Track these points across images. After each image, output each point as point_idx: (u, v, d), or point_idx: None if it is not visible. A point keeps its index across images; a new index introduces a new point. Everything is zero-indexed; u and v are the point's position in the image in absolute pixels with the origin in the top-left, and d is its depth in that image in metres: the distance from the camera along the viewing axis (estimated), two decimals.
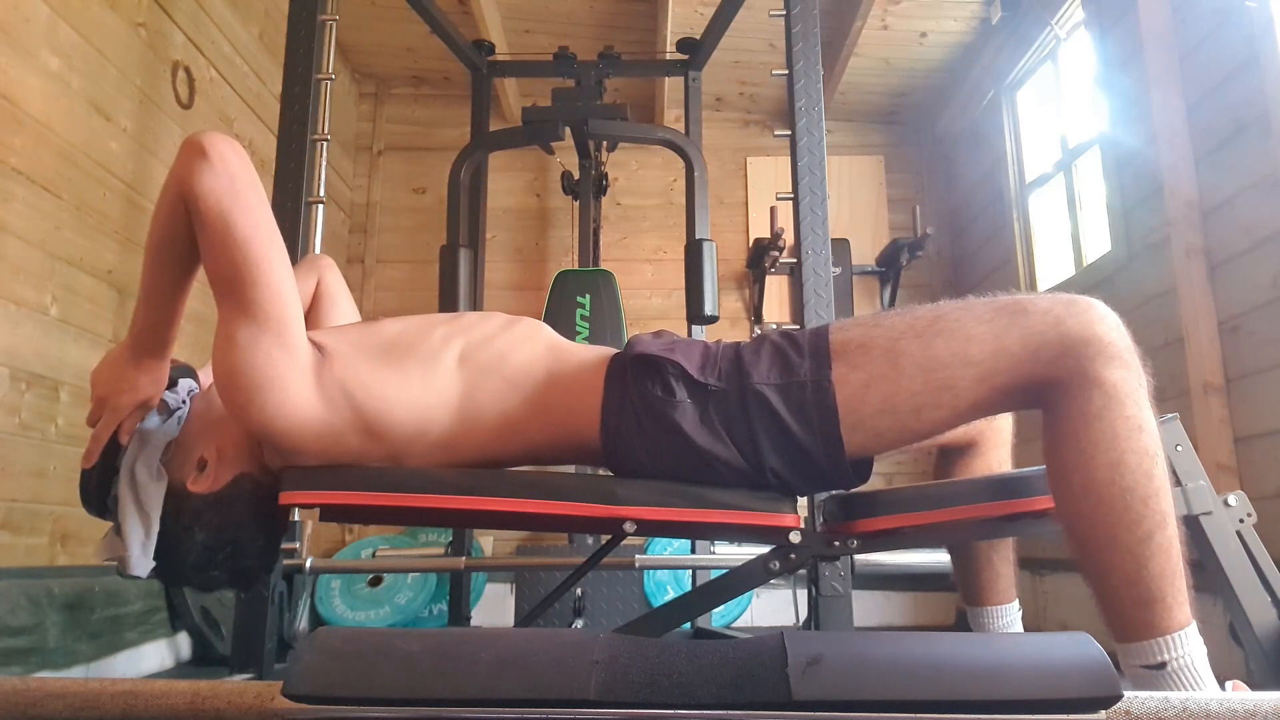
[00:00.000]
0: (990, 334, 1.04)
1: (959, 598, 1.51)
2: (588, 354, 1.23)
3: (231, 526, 1.16)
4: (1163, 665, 0.96)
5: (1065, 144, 3.39)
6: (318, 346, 1.13)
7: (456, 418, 1.15)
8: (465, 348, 1.18)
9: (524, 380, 1.17)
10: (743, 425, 1.11)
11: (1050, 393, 1.03)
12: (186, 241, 1.06)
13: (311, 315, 1.44)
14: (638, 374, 1.15)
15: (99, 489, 1.15)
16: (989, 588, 1.44)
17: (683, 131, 3.43)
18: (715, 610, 3.24)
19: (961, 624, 1.52)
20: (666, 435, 1.13)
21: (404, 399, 1.13)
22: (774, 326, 4.08)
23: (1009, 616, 1.44)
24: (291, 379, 1.07)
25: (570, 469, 1.39)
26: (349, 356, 1.13)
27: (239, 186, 1.03)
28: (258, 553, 1.20)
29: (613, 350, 1.24)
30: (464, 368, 1.17)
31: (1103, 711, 0.73)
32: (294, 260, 2.05)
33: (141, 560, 1.12)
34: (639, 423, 1.14)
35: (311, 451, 1.13)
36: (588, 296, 3.32)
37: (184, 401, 1.21)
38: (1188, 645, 0.96)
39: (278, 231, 1.08)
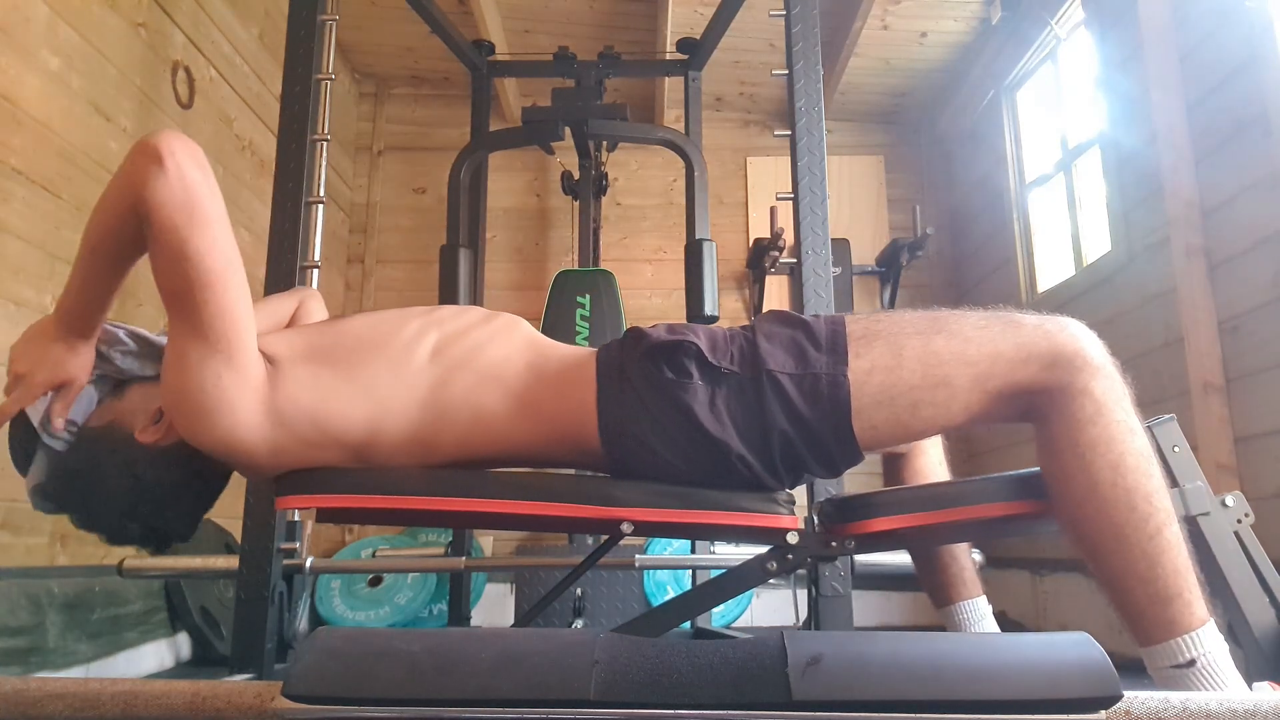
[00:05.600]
0: (987, 337, 1.08)
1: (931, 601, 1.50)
2: (570, 351, 1.22)
3: (163, 485, 1.15)
4: (1192, 663, 0.96)
5: (1065, 144, 3.39)
6: (269, 358, 1.11)
7: (427, 413, 1.13)
8: (439, 341, 1.16)
9: (501, 373, 1.15)
10: (753, 412, 1.10)
11: (1042, 402, 1.06)
12: (132, 244, 1.02)
13: None
14: (644, 360, 1.13)
15: (22, 455, 1.13)
16: (957, 582, 1.44)
17: (683, 131, 3.43)
18: (715, 610, 3.25)
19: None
20: (678, 417, 1.11)
21: (363, 402, 1.11)
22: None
23: (981, 610, 1.44)
24: (241, 402, 1.05)
25: (570, 471, 1.39)
26: (302, 366, 1.11)
27: (196, 200, 0.97)
28: (179, 518, 1.19)
29: (593, 349, 1.22)
30: (436, 362, 1.14)
31: (1103, 711, 0.73)
32: (294, 267, 2.07)
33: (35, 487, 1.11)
34: (645, 409, 1.11)
35: (267, 466, 1.12)
36: (588, 296, 3.32)
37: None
38: (1211, 641, 0.97)
39: (235, 249, 1.03)
